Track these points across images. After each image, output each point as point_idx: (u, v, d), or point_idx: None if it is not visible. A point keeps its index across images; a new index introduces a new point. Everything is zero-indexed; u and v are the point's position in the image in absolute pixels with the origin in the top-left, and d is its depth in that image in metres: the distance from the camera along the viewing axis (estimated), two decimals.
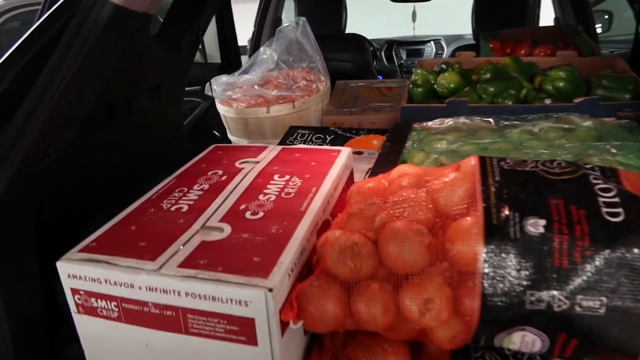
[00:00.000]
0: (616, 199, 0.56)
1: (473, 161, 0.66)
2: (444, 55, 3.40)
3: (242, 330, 0.56)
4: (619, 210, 0.54)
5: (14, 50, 0.81)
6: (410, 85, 1.39)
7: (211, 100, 1.84)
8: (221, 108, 1.67)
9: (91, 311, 0.63)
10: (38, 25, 0.85)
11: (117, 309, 0.61)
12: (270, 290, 0.53)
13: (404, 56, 3.53)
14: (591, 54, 1.54)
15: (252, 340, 0.56)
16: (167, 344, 0.60)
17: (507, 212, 0.56)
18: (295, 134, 1.44)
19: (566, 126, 1.03)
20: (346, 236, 0.60)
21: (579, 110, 1.07)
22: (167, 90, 1.31)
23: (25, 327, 0.76)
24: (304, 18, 1.69)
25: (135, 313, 0.60)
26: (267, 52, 1.74)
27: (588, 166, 0.63)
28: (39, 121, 0.75)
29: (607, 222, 0.54)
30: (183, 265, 0.58)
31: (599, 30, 2.74)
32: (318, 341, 0.67)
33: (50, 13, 0.87)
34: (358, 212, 0.64)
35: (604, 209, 0.55)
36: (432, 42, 3.58)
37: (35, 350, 0.78)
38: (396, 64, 3.52)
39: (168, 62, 1.30)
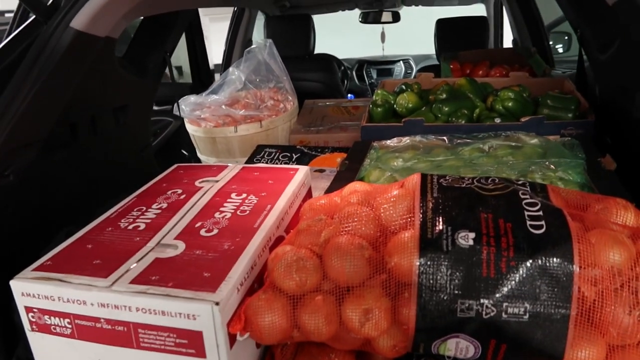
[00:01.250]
0: (539, 213, 0.60)
1: (415, 178, 0.70)
2: (412, 74, 3.50)
3: (190, 343, 0.58)
4: (542, 223, 0.59)
5: None
6: (371, 105, 1.44)
7: (182, 120, 1.87)
8: (190, 127, 1.69)
9: (45, 329, 0.64)
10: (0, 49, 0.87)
11: (70, 326, 0.62)
12: (217, 303, 0.56)
13: (374, 75, 3.62)
14: (543, 74, 1.63)
15: (200, 352, 0.58)
16: (119, 358, 0.62)
17: (440, 226, 0.60)
18: (263, 153, 1.47)
19: (514, 144, 1.08)
20: (293, 251, 0.63)
21: (525, 129, 1.14)
22: (134, 110, 1.33)
23: None
24: (270, 40, 1.73)
25: (88, 329, 0.62)
26: (235, 73, 1.78)
27: (520, 182, 0.68)
28: None
29: (530, 234, 0.58)
30: (135, 281, 0.61)
31: (560, 51, 2.86)
32: (271, 353, 0.69)
33: (12, 37, 0.89)
34: (306, 228, 0.67)
35: (529, 222, 0.59)
36: (401, 61, 3.68)
37: None
38: (367, 82, 3.60)
39: (134, 83, 1.32)
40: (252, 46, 1.81)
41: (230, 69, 1.83)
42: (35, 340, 0.66)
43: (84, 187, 1.13)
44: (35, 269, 0.65)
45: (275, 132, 1.70)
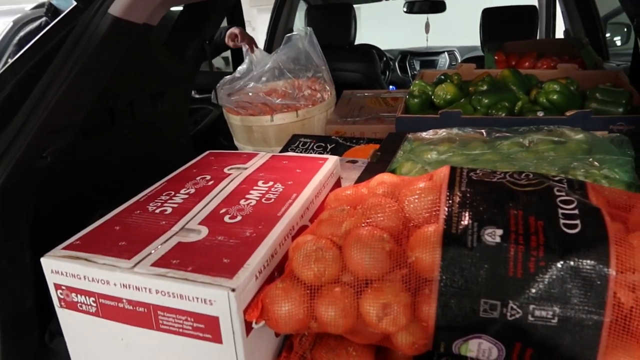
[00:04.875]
0: (575, 211, 0.57)
1: (444, 171, 0.68)
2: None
3: (207, 328, 0.58)
4: (576, 222, 0.55)
5: (17, 58, 0.85)
6: (407, 96, 1.40)
7: (222, 109, 1.89)
8: (227, 116, 1.71)
9: (72, 306, 0.66)
10: (41, 36, 0.90)
11: (95, 305, 0.64)
12: (233, 290, 0.56)
13: (417, 67, 3.54)
14: (594, 67, 1.54)
15: (217, 338, 0.58)
16: (140, 339, 0.63)
17: (466, 222, 0.57)
18: (297, 142, 1.47)
19: (557, 139, 1.03)
20: (313, 241, 0.62)
21: (570, 123, 1.08)
22: (171, 97, 1.35)
23: (15, 320, 0.80)
24: (310, 28, 1.72)
25: (111, 309, 0.63)
26: (274, 61, 1.78)
27: (556, 178, 0.64)
28: (35, 125, 0.80)
29: (563, 233, 0.55)
30: (156, 264, 0.61)
31: (618, 43, 2.71)
32: (289, 343, 0.69)
33: (54, 24, 0.92)
34: (327, 218, 0.66)
35: (562, 221, 0.56)
36: (445, 53, 3.58)
37: (23, 343, 0.82)
38: (409, 74, 3.53)
39: (172, 70, 1.34)
40: (292, 34, 1.80)
41: (269, 57, 1.83)
42: (64, 317, 0.68)
43: (120, 172, 1.16)
44: (65, 248, 0.67)
45: (311, 122, 1.69)
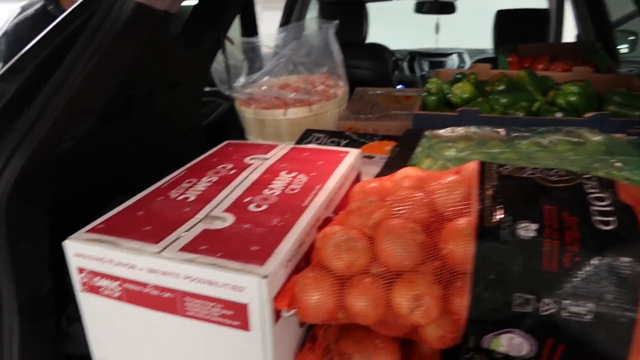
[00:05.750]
0: (609, 208, 0.56)
1: (473, 166, 0.67)
2: (465, 68, 3.40)
3: (236, 315, 0.58)
4: (611, 219, 0.55)
5: (37, 41, 0.85)
6: (425, 94, 1.40)
7: (232, 102, 1.89)
8: (240, 109, 1.70)
9: (95, 290, 0.65)
10: (62, 19, 0.89)
11: (119, 289, 0.63)
12: (265, 277, 0.55)
13: (426, 67, 3.54)
14: (607, 71, 1.54)
15: (245, 325, 0.58)
16: (164, 325, 0.62)
17: (500, 215, 0.57)
18: (311, 137, 1.46)
19: (575, 140, 1.03)
20: (343, 231, 0.61)
21: (589, 125, 1.07)
22: (187, 88, 1.35)
23: (33, 305, 0.80)
24: (333, 22, 1.71)
25: (136, 293, 0.63)
26: (288, 55, 1.77)
27: (586, 176, 0.64)
28: (57, 108, 0.79)
29: (598, 229, 0.54)
30: (184, 249, 0.61)
31: (624, 51, 2.71)
32: (313, 334, 0.68)
33: (74, 8, 0.91)
34: (357, 209, 0.66)
35: (596, 217, 0.56)
36: (454, 54, 3.58)
37: (41, 328, 0.81)
38: (417, 74, 3.53)
39: (188, 62, 1.34)
40: (308, 29, 1.79)
41: (283, 51, 1.82)
42: (85, 301, 0.67)
43: (134, 161, 1.15)
44: (89, 231, 0.66)
45: (324, 117, 1.69)
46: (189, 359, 0.64)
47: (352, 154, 0.92)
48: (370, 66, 2.30)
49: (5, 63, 0.85)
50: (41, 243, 0.80)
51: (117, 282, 0.63)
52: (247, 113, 1.67)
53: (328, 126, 1.68)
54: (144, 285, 0.62)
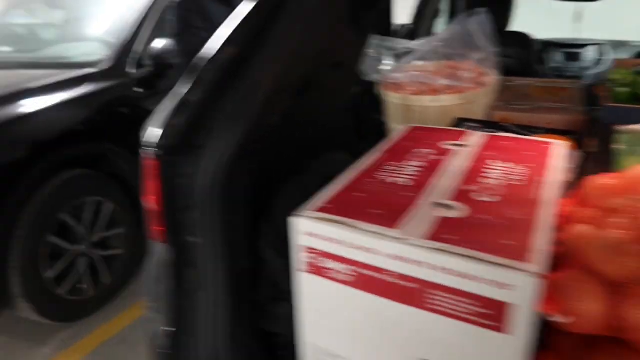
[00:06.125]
0: None
1: None
2: (608, 62, 3.08)
3: (493, 315, 0.52)
4: None
5: (249, 14, 0.84)
6: (615, 85, 1.27)
7: (365, 85, 1.84)
8: (384, 93, 1.66)
9: (320, 272, 0.63)
10: None
11: (350, 273, 0.60)
12: (537, 275, 0.49)
13: (559, 59, 3.27)
14: None
15: (503, 327, 0.52)
16: (398, 316, 0.58)
17: None
18: (463, 127, 1.38)
19: None
20: (613, 233, 0.54)
21: None
22: (347, 68, 1.32)
23: (238, 278, 0.80)
24: (485, 10, 1.61)
25: (368, 279, 0.59)
26: (436, 41, 1.69)
27: None
28: (268, 82, 0.78)
29: None
30: (428, 237, 0.56)
31: None
32: (549, 342, 0.61)
33: None
34: (622, 209, 0.57)
35: None
36: (593, 46, 3.27)
37: (243, 302, 0.82)
38: (546, 66, 3.27)
39: (351, 42, 1.31)
40: (460, 15, 1.70)
41: (430, 37, 1.75)
42: (306, 283, 0.65)
43: (305, 139, 1.14)
44: (319, 210, 0.63)
45: (473, 106, 1.59)
46: (418, 352, 0.60)
47: (562, 145, 0.83)
48: (514, 54, 2.15)
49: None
50: (248, 217, 0.80)
51: (350, 266, 0.60)
52: (394, 98, 1.61)
53: (476, 116, 1.58)
54: (380, 271, 0.58)
